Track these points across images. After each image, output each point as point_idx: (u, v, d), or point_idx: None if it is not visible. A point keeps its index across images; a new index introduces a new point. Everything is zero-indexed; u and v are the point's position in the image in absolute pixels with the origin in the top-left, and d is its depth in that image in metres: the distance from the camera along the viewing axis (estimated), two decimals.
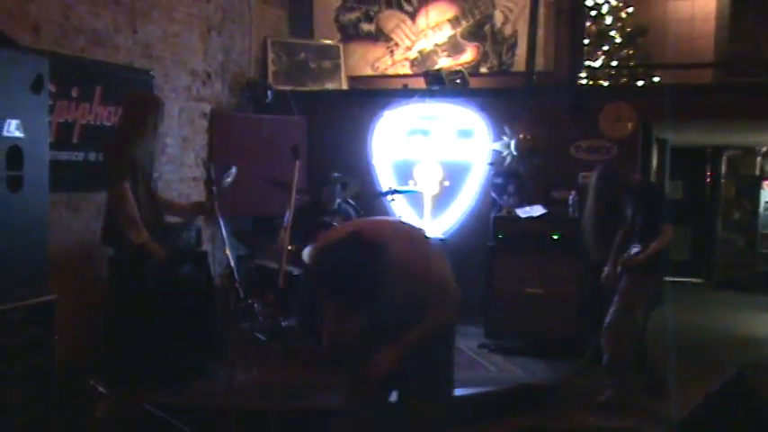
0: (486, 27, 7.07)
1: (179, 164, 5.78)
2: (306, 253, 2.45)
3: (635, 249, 4.47)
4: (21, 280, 3.28)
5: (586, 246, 4.69)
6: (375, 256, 2.43)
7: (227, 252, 3.70)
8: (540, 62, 6.73)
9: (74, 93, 4.58)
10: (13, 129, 3.20)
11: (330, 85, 7.13)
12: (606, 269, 4.69)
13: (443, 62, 7.14)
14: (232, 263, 3.70)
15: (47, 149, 3.54)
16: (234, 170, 4.21)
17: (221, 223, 3.79)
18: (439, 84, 6.57)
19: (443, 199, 6.43)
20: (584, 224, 4.66)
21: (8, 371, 3.17)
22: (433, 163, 6.52)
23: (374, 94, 6.93)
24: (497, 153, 6.28)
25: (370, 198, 6.18)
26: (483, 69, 7.09)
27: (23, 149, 3.26)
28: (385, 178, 6.63)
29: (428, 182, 6.53)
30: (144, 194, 4.09)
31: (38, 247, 3.43)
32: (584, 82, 6.79)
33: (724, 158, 10.25)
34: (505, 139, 6.23)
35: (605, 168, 4.70)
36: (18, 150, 3.23)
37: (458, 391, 4.31)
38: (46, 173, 3.47)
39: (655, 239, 4.42)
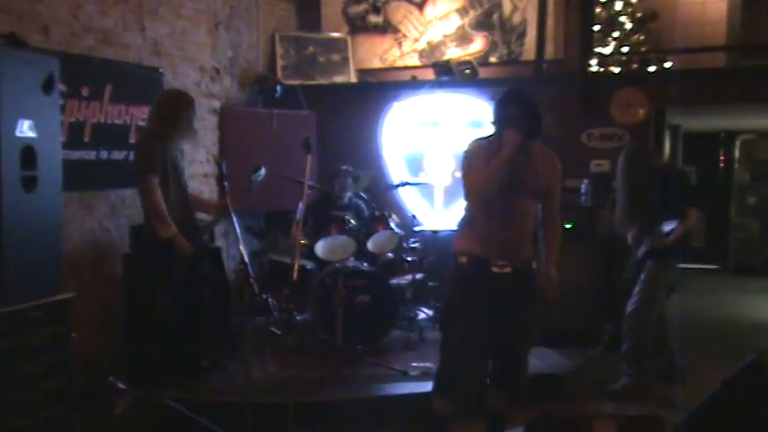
0: (495, 16, 7.02)
1: (190, 160, 5.78)
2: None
3: (669, 227, 4.41)
4: (37, 279, 3.31)
5: (617, 221, 4.69)
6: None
7: (242, 248, 3.71)
8: (549, 50, 6.68)
9: (84, 92, 4.60)
10: (25, 129, 3.23)
11: (339, 79, 7.11)
12: (632, 232, 4.64)
13: (452, 53, 7.11)
14: (246, 258, 3.71)
15: (59, 149, 3.57)
16: (263, 171, 4.28)
17: (234, 219, 3.80)
18: (448, 74, 6.54)
19: (455, 190, 6.41)
20: (618, 205, 4.64)
21: (28, 369, 3.21)
22: (443, 154, 6.50)
23: (383, 87, 6.91)
24: None
25: (381, 191, 6.18)
26: (492, 59, 7.05)
27: (36, 149, 3.29)
28: (396, 170, 6.62)
29: (439, 173, 6.52)
30: (175, 190, 4.11)
31: (53, 246, 3.46)
32: (594, 69, 6.73)
33: (738, 143, 10.14)
34: None
35: (630, 149, 4.68)
36: (31, 150, 3.26)
37: None
38: (59, 172, 3.50)
39: (678, 223, 4.40)
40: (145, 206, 4.03)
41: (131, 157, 4.74)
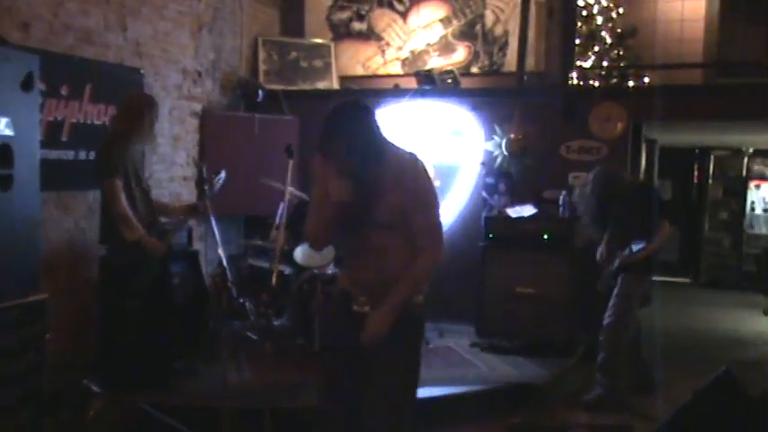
0: (478, 27, 7.08)
1: (170, 163, 5.76)
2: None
3: (637, 247, 4.50)
4: (13, 279, 3.27)
5: (585, 229, 4.97)
6: (383, 148, 2.70)
7: (220, 251, 3.70)
8: (530, 62, 6.74)
9: (63, 91, 4.55)
10: (2, 127, 3.19)
11: (321, 85, 7.12)
12: (600, 249, 4.82)
13: (435, 62, 7.15)
14: (224, 262, 3.69)
15: (37, 148, 3.53)
16: (223, 174, 4.19)
17: (213, 223, 3.78)
18: (430, 83, 6.57)
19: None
20: (583, 217, 4.94)
21: (1, 371, 3.16)
22: (425, 162, 6.51)
23: (366, 94, 6.91)
24: (489, 153, 6.30)
25: None
26: (474, 69, 7.10)
27: (14, 148, 3.25)
28: None
29: None
30: (139, 193, 4.08)
31: (30, 247, 3.42)
32: (574, 82, 6.81)
33: (712, 159, 10.33)
34: (496, 138, 6.24)
35: (600, 173, 4.82)
36: (8, 149, 3.22)
37: (449, 390, 4.38)
38: (37, 171, 3.45)
39: (651, 237, 4.49)
40: (109, 210, 3.97)
41: None
